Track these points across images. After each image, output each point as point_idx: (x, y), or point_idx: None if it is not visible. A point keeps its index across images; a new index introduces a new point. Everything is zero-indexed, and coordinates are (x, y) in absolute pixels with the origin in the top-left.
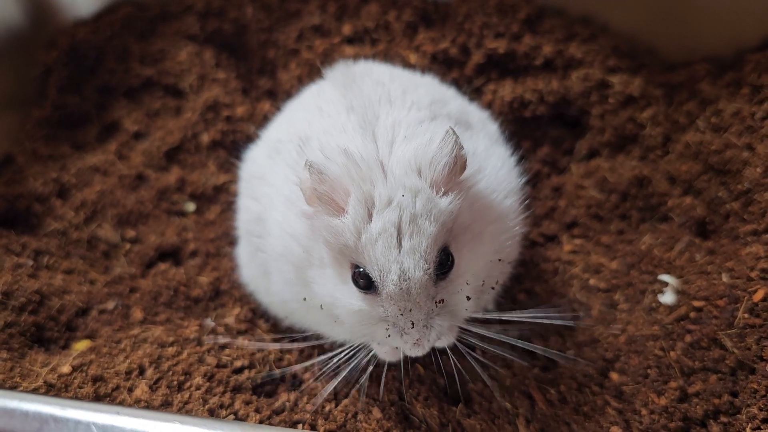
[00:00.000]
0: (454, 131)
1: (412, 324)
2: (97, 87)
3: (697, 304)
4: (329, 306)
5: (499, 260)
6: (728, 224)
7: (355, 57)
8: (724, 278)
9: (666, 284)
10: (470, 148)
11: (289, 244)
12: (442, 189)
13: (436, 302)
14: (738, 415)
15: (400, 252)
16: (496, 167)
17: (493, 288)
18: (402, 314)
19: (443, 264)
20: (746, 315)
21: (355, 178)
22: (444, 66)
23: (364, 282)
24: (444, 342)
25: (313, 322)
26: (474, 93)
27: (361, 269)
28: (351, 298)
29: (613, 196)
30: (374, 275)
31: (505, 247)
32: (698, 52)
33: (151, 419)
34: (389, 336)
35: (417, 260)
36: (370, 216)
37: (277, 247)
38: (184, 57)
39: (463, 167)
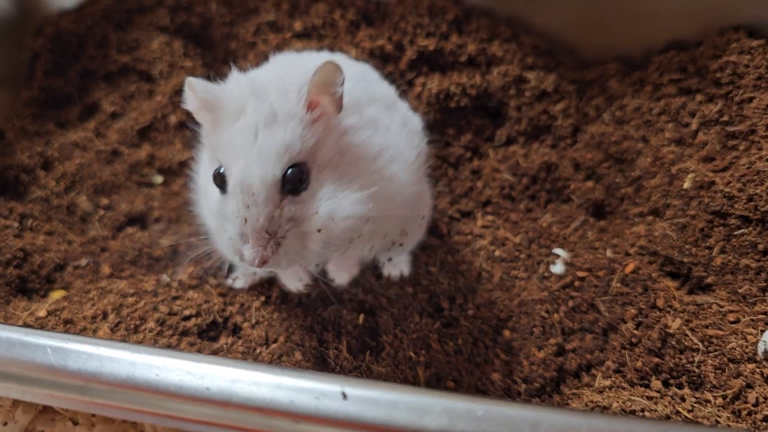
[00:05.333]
0: (339, 66)
1: (248, 223)
2: (79, 71)
3: (581, 274)
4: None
5: (368, 220)
6: (622, 206)
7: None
8: (608, 253)
9: (558, 257)
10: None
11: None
12: (310, 111)
13: (281, 210)
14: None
15: (251, 150)
16: (401, 141)
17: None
18: (241, 209)
19: (295, 180)
20: (618, 284)
21: (235, 94)
22: (380, 60)
23: (220, 180)
24: (339, 279)
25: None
26: (406, 85)
27: (221, 169)
28: (211, 199)
29: (524, 179)
30: (226, 168)
31: (382, 209)
32: (611, 52)
33: (91, 344)
34: (230, 239)
35: (263, 160)
36: (238, 119)
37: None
38: (156, 46)
39: (339, 106)
